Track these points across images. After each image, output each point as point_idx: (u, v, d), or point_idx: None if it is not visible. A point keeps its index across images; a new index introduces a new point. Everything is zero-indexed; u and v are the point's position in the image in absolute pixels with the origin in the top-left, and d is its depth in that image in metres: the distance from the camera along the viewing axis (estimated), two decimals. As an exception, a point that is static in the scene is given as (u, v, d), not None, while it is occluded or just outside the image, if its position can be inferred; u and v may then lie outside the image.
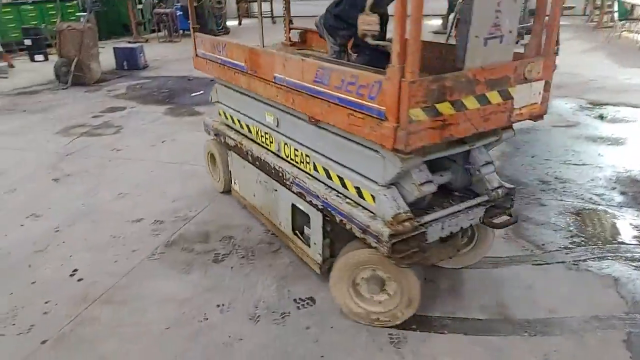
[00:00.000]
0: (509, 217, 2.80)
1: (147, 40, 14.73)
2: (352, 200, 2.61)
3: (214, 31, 14.74)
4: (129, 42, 13.26)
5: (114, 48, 11.03)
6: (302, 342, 2.65)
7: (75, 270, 3.34)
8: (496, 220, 2.76)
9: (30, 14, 13.56)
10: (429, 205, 2.56)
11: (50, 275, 3.30)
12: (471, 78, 2.15)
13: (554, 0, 2.35)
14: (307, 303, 2.95)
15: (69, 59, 9.22)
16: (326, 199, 2.71)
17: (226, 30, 15.81)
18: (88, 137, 6.27)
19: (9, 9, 13.11)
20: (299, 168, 3.04)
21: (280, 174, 3.16)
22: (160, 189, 4.63)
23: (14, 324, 2.81)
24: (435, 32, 14.10)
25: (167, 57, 12.19)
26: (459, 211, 2.56)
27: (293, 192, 3.06)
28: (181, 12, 14.66)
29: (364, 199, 2.52)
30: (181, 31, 15.02)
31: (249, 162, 3.61)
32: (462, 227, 2.60)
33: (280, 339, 2.67)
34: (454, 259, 3.05)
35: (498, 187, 2.64)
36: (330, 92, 2.43)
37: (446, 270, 3.22)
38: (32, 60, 12.12)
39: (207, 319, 2.83)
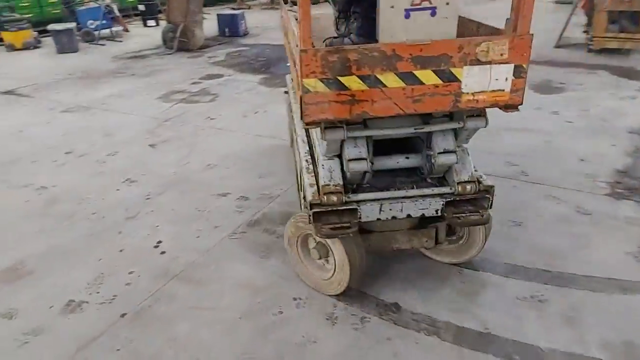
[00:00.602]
0: (479, 217, 2.44)
1: (249, 7, 14.89)
2: (312, 167, 2.61)
3: (315, -2, 14.45)
4: (233, 9, 13.45)
5: (218, 14, 11.23)
6: (381, 354, 2.37)
7: (160, 242, 3.35)
8: (460, 218, 2.42)
9: (146, -20, 14.26)
10: (388, 186, 2.47)
11: (137, 244, 3.34)
12: (389, 53, 1.96)
13: None
14: (391, 309, 2.65)
15: (175, 25, 9.52)
16: (301, 163, 2.72)
17: (327, -2, 15.43)
18: (185, 104, 6.39)
19: (128, -25, 13.88)
20: (307, 131, 3.07)
21: (295, 136, 3.26)
22: (248, 162, 4.54)
23: (98, 292, 2.86)
24: (557, 2, 12.58)
25: (267, 24, 12.19)
26: (405, 197, 2.40)
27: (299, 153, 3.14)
28: (284, -22, 14.53)
29: (317, 167, 2.53)
30: (283, -2, 14.93)
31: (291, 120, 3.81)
32: (409, 215, 2.45)
33: (357, 348, 2.41)
34: (439, 252, 2.95)
35: (466, 182, 2.38)
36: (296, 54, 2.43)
37: (560, 289, 2.73)
38: (145, 25, 12.81)
39: (281, 312, 2.66)
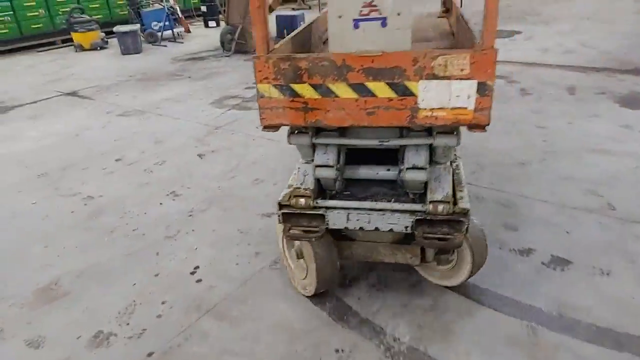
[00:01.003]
0: (450, 240, 2.25)
1: (310, 7, 14.69)
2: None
3: None
4: (293, 9, 13.31)
5: (276, 15, 11.07)
6: None
7: (197, 267, 3.14)
8: (427, 238, 2.28)
9: (209, -19, 14.44)
10: (366, 196, 2.40)
11: (173, 268, 3.15)
12: (339, 63, 1.95)
13: None
14: (448, 374, 2.27)
15: (234, 27, 9.47)
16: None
17: None
18: (238, 111, 6.24)
19: (191, -23, 14.12)
20: None
21: None
22: (296, 179, 4.27)
23: (128, 324, 2.69)
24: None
25: (326, 25, 11.90)
26: (372, 209, 2.33)
27: None
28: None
29: None
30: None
31: None
32: (377, 228, 2.37)
33: None
34: (427, 271, 2.82)
35: (439, 201, 2.24)
36: None
37: None
38: (206, 25, 12.96)
39: (321, 367, 2.35)
